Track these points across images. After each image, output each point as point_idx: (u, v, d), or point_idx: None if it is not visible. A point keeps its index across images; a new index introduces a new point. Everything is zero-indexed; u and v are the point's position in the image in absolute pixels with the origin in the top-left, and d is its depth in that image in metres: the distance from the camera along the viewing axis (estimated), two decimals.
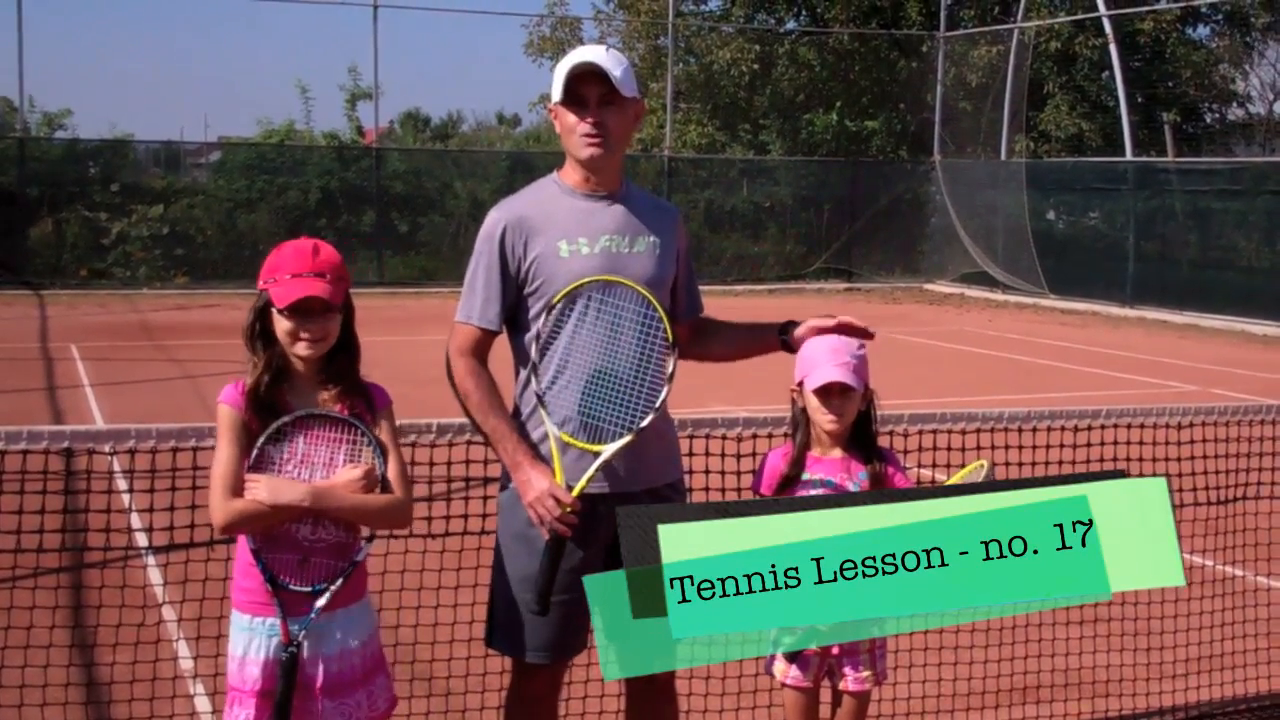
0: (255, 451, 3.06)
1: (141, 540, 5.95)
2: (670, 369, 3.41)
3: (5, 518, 3.81)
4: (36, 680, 3.95)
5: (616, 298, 3.41)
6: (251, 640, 3.11)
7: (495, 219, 3.46)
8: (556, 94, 3.38)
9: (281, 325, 3.09)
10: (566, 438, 3.37)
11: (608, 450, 3.35)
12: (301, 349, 3.10)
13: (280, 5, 44.55)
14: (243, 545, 3.14)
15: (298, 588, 3.08)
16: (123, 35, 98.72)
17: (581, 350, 3.40)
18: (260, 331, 3.13)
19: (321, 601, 3.08)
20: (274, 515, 3.04)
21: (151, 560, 5.97)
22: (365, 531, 3.22)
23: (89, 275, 22.57)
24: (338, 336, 3.15)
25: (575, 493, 3.30)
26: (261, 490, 3.02)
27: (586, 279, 3.39)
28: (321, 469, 3.10)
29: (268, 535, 3.09)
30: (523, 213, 3.47)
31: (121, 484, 4.30)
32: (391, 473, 3.15)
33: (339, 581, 3.10)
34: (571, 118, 3.39)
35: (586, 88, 3.36)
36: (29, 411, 10.72)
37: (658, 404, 3.38)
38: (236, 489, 3.03)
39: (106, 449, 3.74)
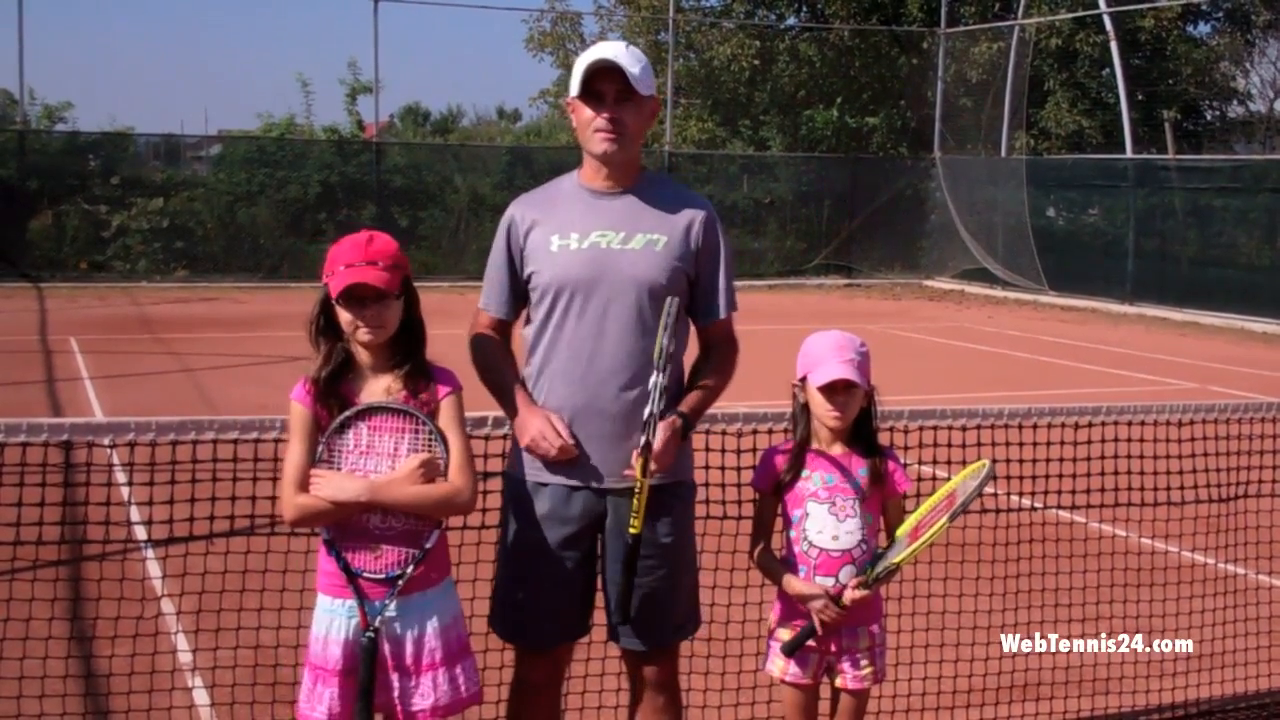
0: (322, 445, 3.15)
1: (141, 533, 5.96)
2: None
3: (4, 510, 3.80)
4: (35, 672, 3.94)
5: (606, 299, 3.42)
6: (332, 621, 3.17)
7: (508, 212, 3.60)
8: (574, 89, 3.43)
9: (342, 316, 3.18)
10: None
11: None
12: (362, 335, 3.18)
13: None
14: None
15: (372, 575, 3.16)
16: (123, 28, 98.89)
17: (565, 348, 3.47)
18: (325, 326, 3.22)
19: (396, 588, 3.14)
20: (338, 510, 3.13)
21: (150, 553, 5.97)
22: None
23: (89, 268, 22.53)
24: (400, 323, 3.23)
25: (635, 528, 3.28)
26: (324, 487, 3.11)
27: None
28: (387, 459, 3.17)
29: (340, 526, 3.17)
30: (530, 206, 3.59)
31: (120, 477, 4.29)
32: (452, 461, 3.19)
33: (411, 568, 3.16)
34: (588, 113, 3.44)
35: (604, 84, 3.40)
36: (28, 404, 10.72)
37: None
38: (304, 485, 3.13)
39: (106, 442, 3.74)
